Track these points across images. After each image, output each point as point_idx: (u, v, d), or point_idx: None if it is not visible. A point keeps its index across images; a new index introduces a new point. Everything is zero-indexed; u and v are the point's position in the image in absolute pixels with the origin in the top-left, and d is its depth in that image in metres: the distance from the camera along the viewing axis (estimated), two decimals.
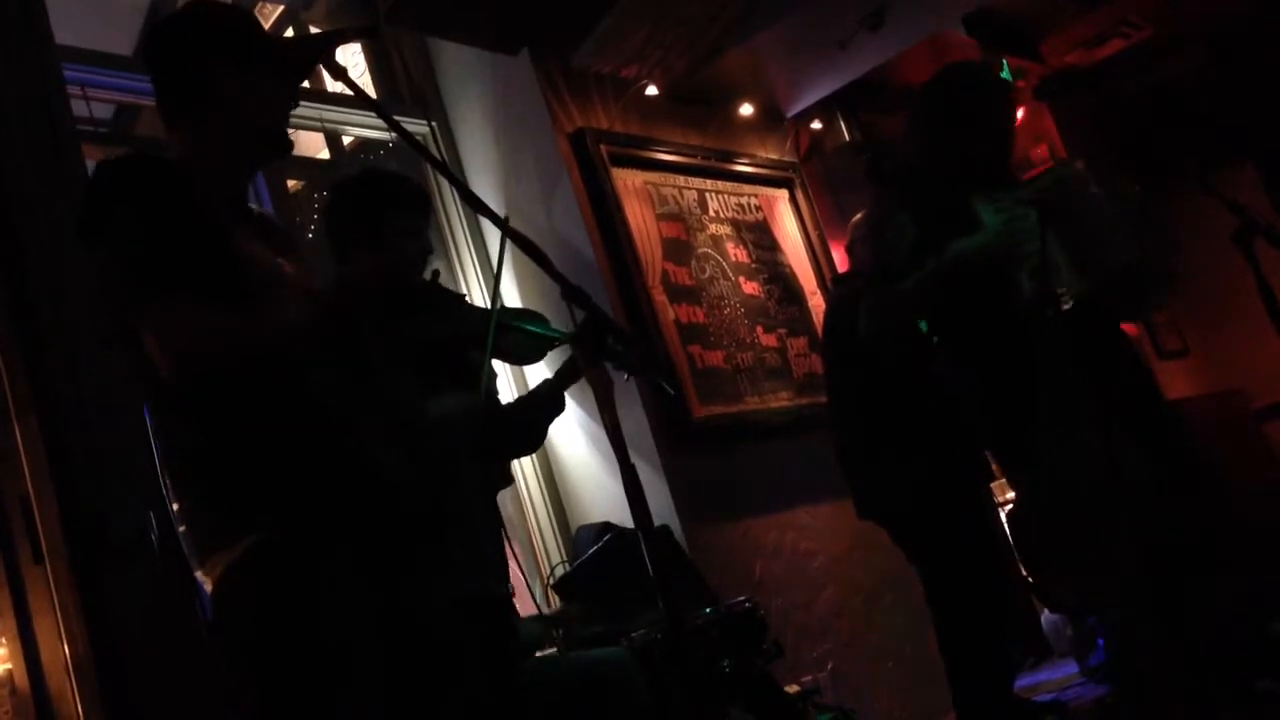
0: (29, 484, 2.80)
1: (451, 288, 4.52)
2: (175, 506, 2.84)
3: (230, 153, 2.00)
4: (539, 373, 2.94)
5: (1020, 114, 6.45)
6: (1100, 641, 4.38)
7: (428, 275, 2.73)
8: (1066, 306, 2.67)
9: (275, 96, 2.04)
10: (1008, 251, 2.70)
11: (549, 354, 2.90)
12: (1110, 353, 2.84)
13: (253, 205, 2.16)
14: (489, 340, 2.48)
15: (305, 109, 4.31)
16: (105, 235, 1.82)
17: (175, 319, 1.75)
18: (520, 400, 3.04)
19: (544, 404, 2.90)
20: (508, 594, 2.72)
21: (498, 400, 3.00)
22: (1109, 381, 2.74)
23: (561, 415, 2.96)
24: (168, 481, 2.81)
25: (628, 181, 4.77)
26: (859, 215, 4.28)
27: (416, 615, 1.93)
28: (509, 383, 4.45)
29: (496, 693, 2.46)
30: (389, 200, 2.73)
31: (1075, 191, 2.79)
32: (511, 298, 4.61)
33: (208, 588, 1.85)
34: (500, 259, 2.58)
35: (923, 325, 3.43)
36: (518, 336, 2.63)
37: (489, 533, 2.70)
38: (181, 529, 2.78)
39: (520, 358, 2.86)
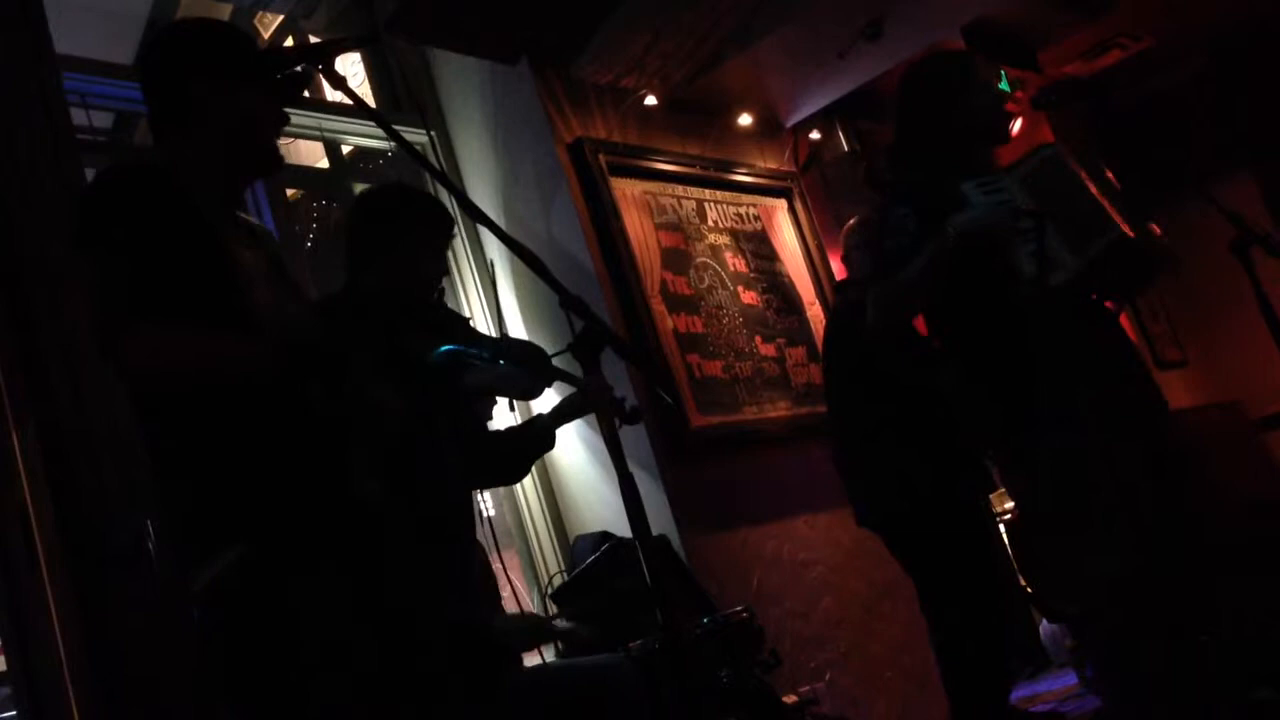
0: (27, 491, 2.80)
1: (449, 296, 4.53)
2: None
3: (217, 167, 2.01)
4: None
5: (1018, 124, 6.46)
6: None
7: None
8: (1059, 282, 2.66)
9: (264, 114, 2.05)
10: (1003, 224, 2.68)
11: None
12: (1110, 351, 2.83)
13: (249, 216, 2.18)
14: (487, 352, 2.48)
15: (304, 118, 4.31)
16: (93, 251, 1.83)
17: (142, 344, 1.76)
18: (510, 430, 3.04)
19: (533, 437, 2.90)
20: (491, 617, 2.72)
21: (485, 428, 2.99)
22: (1110, 381, 2.73)
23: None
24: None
25: (626, 191, 4.77)
26: (851, 221, 4.28)
27: (399, 632, 1.94)
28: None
29: (480, 709, 2.46)
30: (422, 218, 2.73)
31: (1062, 170, 2.79)
32: (510, 305, 4.62)
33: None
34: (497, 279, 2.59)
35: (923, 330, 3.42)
36: (514, 372, 2.63)
37: (470, 553, 2.70)
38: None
39: (516, 395, 2.86)
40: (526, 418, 4.04)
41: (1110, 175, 2.90)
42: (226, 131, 2.00)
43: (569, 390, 2.88)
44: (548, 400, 3.20)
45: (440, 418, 2.65)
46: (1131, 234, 2.70)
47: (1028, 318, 2.70)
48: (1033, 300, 2.67)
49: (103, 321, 1.78)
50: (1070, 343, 2.69)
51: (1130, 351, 2.93)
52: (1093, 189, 2.76)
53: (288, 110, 2.12)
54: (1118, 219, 2.71)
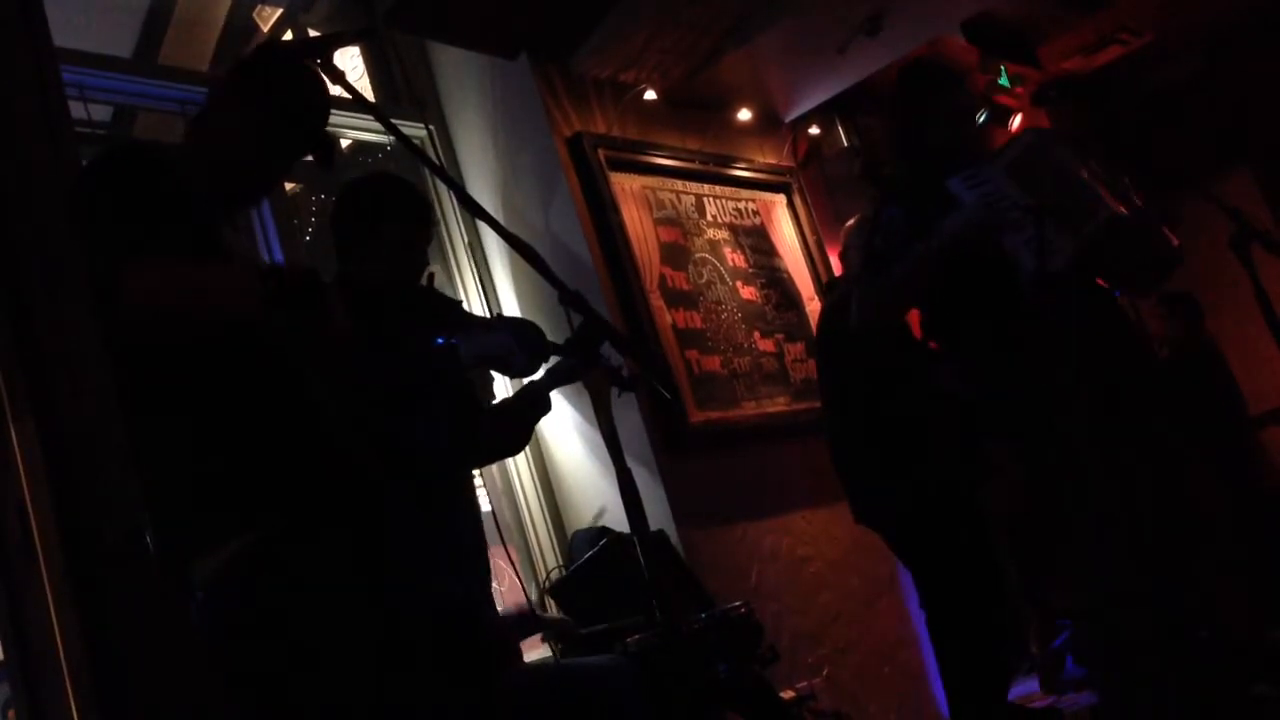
0: (26, 489, 2.79)
1: (448, 290, 4.52)
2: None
3: (230, 180, 2.03)
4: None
5: (1018, 120, 6.47)
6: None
7: (424, 279, 2.74)
8: (1058, 267, 2.65)
9: (283, 163, 2.10)
10: (993, 220, 2.68)
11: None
12: (1116, 341, 2.83)
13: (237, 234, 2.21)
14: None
15: None
16: (92, 207, 1.85)
17: (138, 279, 1.77)
18: (506, 401, 3.03)
19: (529, 404, 2.91)
20: (488, 594, 2.73)
21: (480, 402, 3.00)
22: (1113, 372, 2.73)
23: (551, 416, 2.97)
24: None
25: (625, 186, 4.77)
26: (852, 221, 4.28)
27: (400, 617, 1.94)
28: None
29: (480, 695, 2.46)
30: (388, 210, 2.74)
31: (1045, 155, 2.79)
32: (509, 301, 4.62)
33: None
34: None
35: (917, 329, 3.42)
36: (508, 342, 2.64)
37: (470, 532, 2.71)
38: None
39: (514, 370, 2.87)
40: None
41: (1127, 182, 2.89)
42: (240, 159, 2.03)
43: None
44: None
45: (438, 400, 2.66)
46: (1125, 213, 2.70)
47: (1026, 312, 2.69)
48: (1034, 292, 2.66)
49: (99, 266, 1.80)
50: (1071, 338, 2.69)
51: (1138, 346, 2.91)
52: (1083, 172, 2.75)
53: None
54: (1110, 200, 2.70)
